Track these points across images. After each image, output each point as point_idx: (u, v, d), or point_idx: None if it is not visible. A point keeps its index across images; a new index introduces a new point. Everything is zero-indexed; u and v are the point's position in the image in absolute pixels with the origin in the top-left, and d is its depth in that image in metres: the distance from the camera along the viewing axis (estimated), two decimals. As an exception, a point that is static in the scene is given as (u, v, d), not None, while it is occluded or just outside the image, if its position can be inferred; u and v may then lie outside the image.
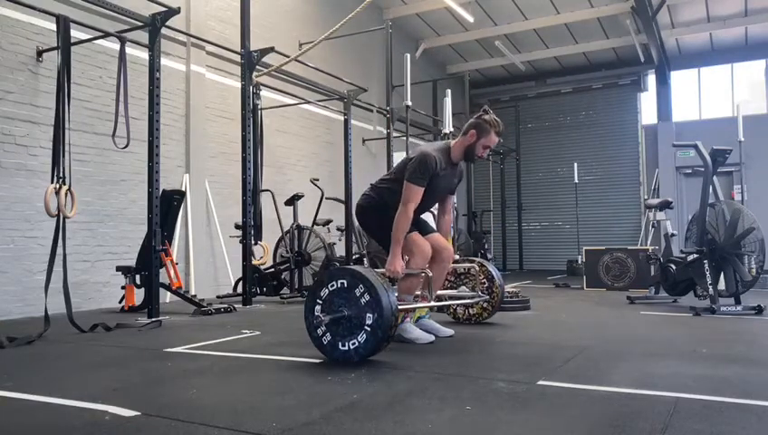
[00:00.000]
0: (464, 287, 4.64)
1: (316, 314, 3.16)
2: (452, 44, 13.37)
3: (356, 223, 6.22)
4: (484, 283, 4.56)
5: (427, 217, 4.23)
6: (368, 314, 3.01)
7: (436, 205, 4.15)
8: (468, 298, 4.47)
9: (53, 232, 4.43)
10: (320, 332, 3.16)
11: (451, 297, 4.54)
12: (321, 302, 3.17)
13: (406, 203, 3.63)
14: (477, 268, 4.43)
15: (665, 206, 6.77)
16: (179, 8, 5.32)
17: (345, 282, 3.11)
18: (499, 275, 4.63)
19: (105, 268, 6.24)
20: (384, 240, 3.79)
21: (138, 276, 5.63)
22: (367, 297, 3.03)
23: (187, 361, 3.30)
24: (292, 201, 7.15)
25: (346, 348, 3.07)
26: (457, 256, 4.47)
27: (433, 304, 3.82)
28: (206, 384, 2.75)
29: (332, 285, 3.15)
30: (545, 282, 10.02)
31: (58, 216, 4.44)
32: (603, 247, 8.36)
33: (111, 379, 2.84)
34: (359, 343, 3.04)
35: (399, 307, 3.25)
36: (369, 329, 3.01)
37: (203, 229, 7.52)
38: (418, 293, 3.98)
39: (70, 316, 4.36)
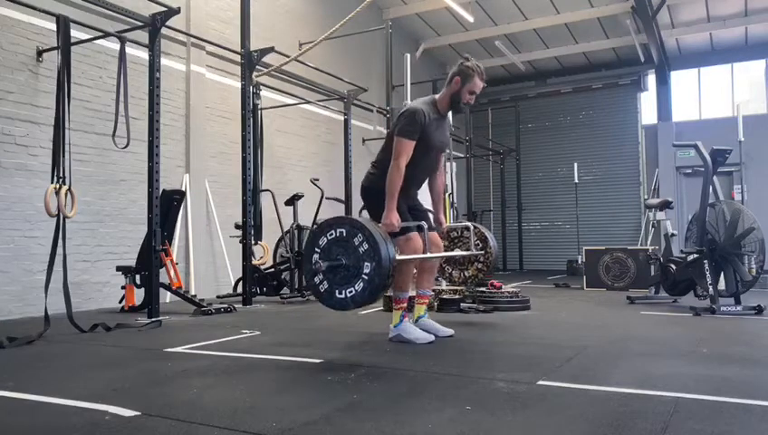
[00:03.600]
0: (458, 250, 4.62)
1: (314, 261, 3.15)
2: (452, 44, 13.36)
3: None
4: (479, 244, 4.54)
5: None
6: (365, 263, 3.00)
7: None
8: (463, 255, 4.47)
9: (53, 232, 4.43)
10: (317, 280, 3.15)
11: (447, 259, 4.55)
12: (319, 251, 3.16)
13: (397, 157, 3.65)
14: (471, 228, 4.42)
15: (665, 206, 6.76)
16: (179, 8, 5.33)
17: (344, 231, 3.10)
18: (492, 237, 4.65)
19: (105, 268, 6.24)
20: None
21: (138, 276, 5.63)
22: (365, 246, 3.02)
23: (187, 361, 3.30)
24: (292, 201, 7.15)
25: (343, 296, 3.08)
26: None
27: (429, 255, 3.74)
28: (206, 384, 2.74)
29: (331, 234, 3.13)
30: (545, 282, 10.02)
31: (58, 216, 4.44)
32: (603, 247, 8.34)
33: (111, 379, 2.83)
34: (355, 291, 3.03)
35: (398, 257, 3.23)
36: (366, 277, 3.00)
37: (203, 229, 7.52)
38: (413, 293, 3.97)
39: (70, 316, 4.36)
